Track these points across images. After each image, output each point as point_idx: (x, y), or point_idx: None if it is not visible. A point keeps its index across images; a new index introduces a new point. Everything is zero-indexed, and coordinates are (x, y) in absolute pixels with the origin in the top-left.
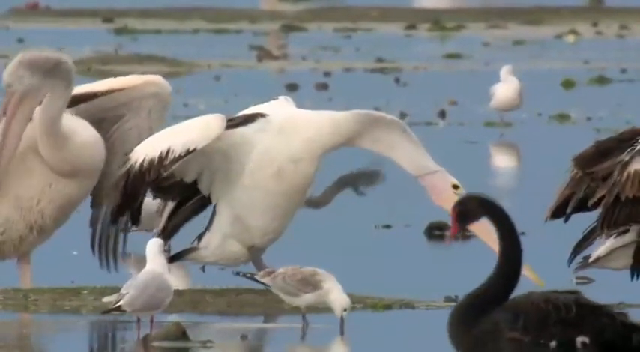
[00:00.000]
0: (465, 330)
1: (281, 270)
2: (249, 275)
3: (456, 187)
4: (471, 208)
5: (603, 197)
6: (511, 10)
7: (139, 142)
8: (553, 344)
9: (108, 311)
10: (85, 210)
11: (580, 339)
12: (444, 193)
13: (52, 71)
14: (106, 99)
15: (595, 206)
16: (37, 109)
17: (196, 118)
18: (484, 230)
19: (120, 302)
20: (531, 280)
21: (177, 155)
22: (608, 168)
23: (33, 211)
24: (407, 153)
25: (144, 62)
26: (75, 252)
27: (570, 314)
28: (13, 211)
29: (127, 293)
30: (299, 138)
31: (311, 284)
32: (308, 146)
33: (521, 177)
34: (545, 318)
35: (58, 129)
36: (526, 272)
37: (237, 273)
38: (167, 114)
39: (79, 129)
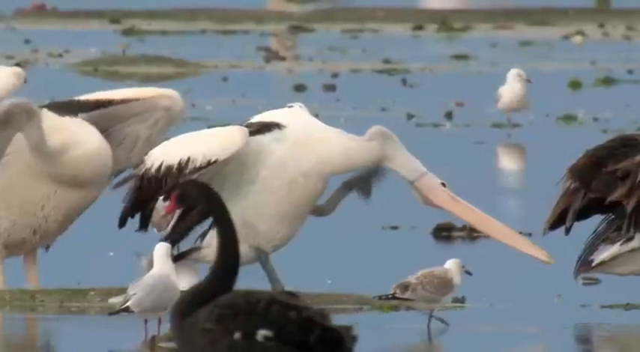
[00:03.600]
0: (178, 323)
1: (413, 281)
2: (390, 296)
3: (444, 185)
4: (191, 192)
5: (623, 196)
6: (518, 11)
7: (133, 146)
8: (237, 335)
9: (115, 313)
10: (108, 213)
11: (262, 332)
12: (440, 193)
13: (7, 120)
14: (121, 108)
15: (612, 204)
16: None
17: (218, 129)
18: (481, 221)
19: (127, 303)
20: (541, 260)
21: (197, 165)
22: (625, 168)
23: (37, 216)
24: (403, 161)
25: (151, 63)
26: (111, 253)
27: (257, 308)
28: (19, 215)
29: (134, 294)
30: (311, 155)
31: (448, 284)
32: (318, 166)
33: (529, 178)
34: (235, 311)
35: (45, 149)
36: (534, 252)
37: (380, 297)
38: (173, 126)
39: (82, 138)
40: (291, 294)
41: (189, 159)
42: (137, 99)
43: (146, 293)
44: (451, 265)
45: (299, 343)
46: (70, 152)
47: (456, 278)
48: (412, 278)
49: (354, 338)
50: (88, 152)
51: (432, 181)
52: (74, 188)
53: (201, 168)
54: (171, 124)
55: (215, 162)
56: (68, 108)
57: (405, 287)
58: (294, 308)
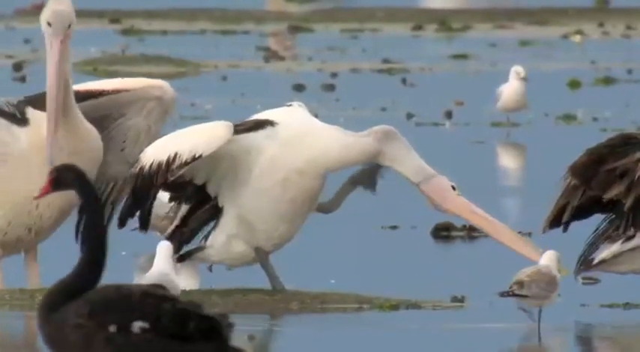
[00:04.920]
0: (46, 318)
1: (526, 279)
2: (510, 293)
3: (454, 188)
4: (67, 177)
5: (622, 194)
6: (517, 11)
7: (137, 139)
8: (113, 328)
9: None
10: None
11: (138, 324)
12: (450, 196)
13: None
14: (112, 98)
15: (610, 202)
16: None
17: (204, 124)
18: (485, 222)
19: None
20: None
21: (183, 161)
22: (624, 166)
23: (32, 214)
24: (406, 162)
25: (151, 62)
26: (123, 253)
27: (132, 300)
28: (13, 214)
29: None
30: (305, 153)
31: (554, 281)
32: (313, 163)
33: (528, 177)
34: (108, 304)
35: (70, 96)
36: (537, 258)
37: (502, 294)
38: (168, 117)
39: (84, 120)
40: (160, 287)
41: (176, 154)
42: (127, 90)
43: None
44: (550, 260)
45: (175, 334)
46: (81, 124)
47: (558, 275)
48: (523, 276)
49: (230, 326)
50: (90, 130)
51: (440, 185)
52: None
53: (187, 163)
54: (166, 114)
55: (200, 156)
56: None
57: (521, 283)
58: (168, 299)
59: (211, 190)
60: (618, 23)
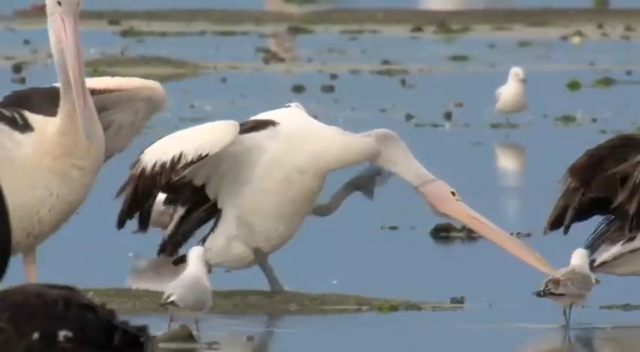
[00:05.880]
0: None
1: (561, 277)
2: (547, 291)
3: (453, 194)
4: None
5: (625, 200)
6: (516, 12)
7: (119, 131)
8: (36, 335)
9: (163, 305)
10: (108, 213)
11: (62, 333)
12: (447, 200)
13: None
14: (102, 97)
15: (616, 210)
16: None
17: (209, 124)
18: (482, 226)
19: (172, 298)
20: (541, 270)
21: (188, 160)
22: (624, 170)
23: (32, 220)
24: (408, 165)
25: (150, 64)
26: (130, 254)
27: (56, 308)
28: (14, 221)
29: (175, 292)
30: (306, 151)
31: (589, 279)
32: (313, 162)
33: (527, 178)
34: (32, 311)
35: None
36: (542, 267)
37: (538, 294)
38: (155, 114)
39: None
40: (70, 289)
41: (181, 154)
42: (119, 90)
43: (188, 290)
44: (581, 259)
45: (99, 344)
46: (91, 105)
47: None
48: (558, 275)
49: (149, 338)
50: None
51: (440, 189)
52: (69, 187)
53: (192, 162)
54: (153, 113)
55: (206, 156)
56: (47, 95)
57: (557, 282)
58: (91, 308)
59: (211, 191)
60: (617, 24)
